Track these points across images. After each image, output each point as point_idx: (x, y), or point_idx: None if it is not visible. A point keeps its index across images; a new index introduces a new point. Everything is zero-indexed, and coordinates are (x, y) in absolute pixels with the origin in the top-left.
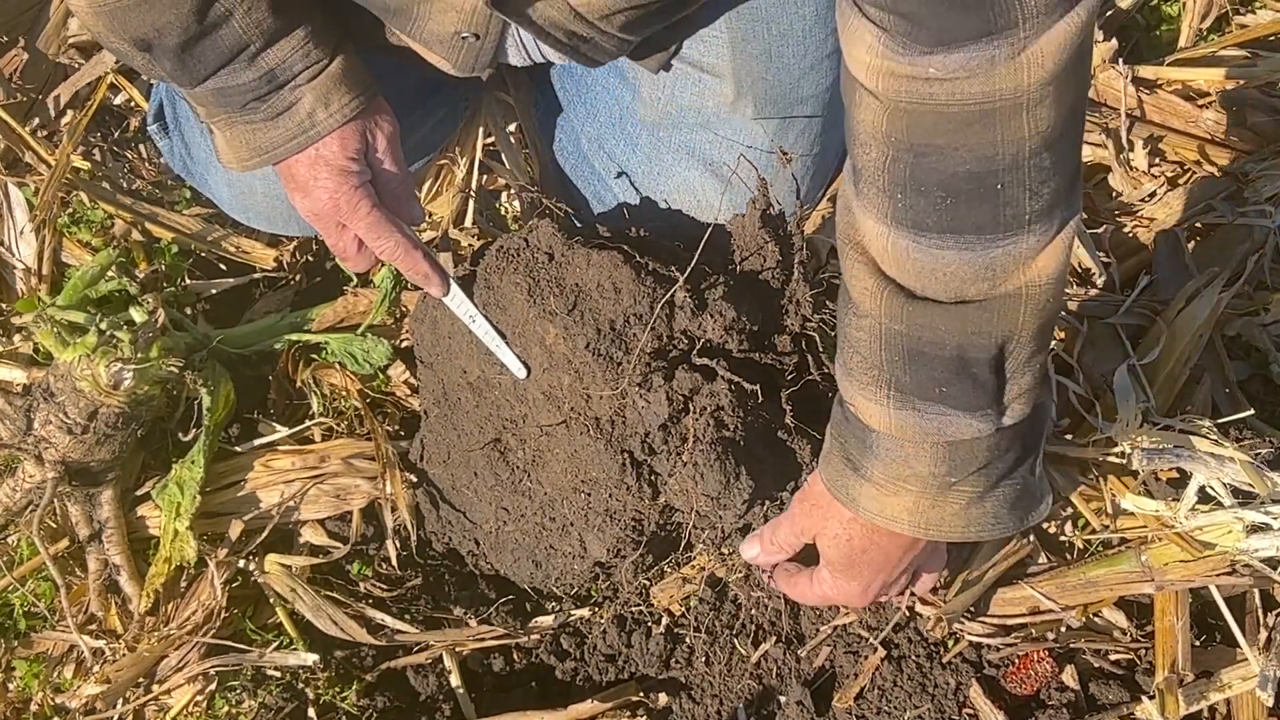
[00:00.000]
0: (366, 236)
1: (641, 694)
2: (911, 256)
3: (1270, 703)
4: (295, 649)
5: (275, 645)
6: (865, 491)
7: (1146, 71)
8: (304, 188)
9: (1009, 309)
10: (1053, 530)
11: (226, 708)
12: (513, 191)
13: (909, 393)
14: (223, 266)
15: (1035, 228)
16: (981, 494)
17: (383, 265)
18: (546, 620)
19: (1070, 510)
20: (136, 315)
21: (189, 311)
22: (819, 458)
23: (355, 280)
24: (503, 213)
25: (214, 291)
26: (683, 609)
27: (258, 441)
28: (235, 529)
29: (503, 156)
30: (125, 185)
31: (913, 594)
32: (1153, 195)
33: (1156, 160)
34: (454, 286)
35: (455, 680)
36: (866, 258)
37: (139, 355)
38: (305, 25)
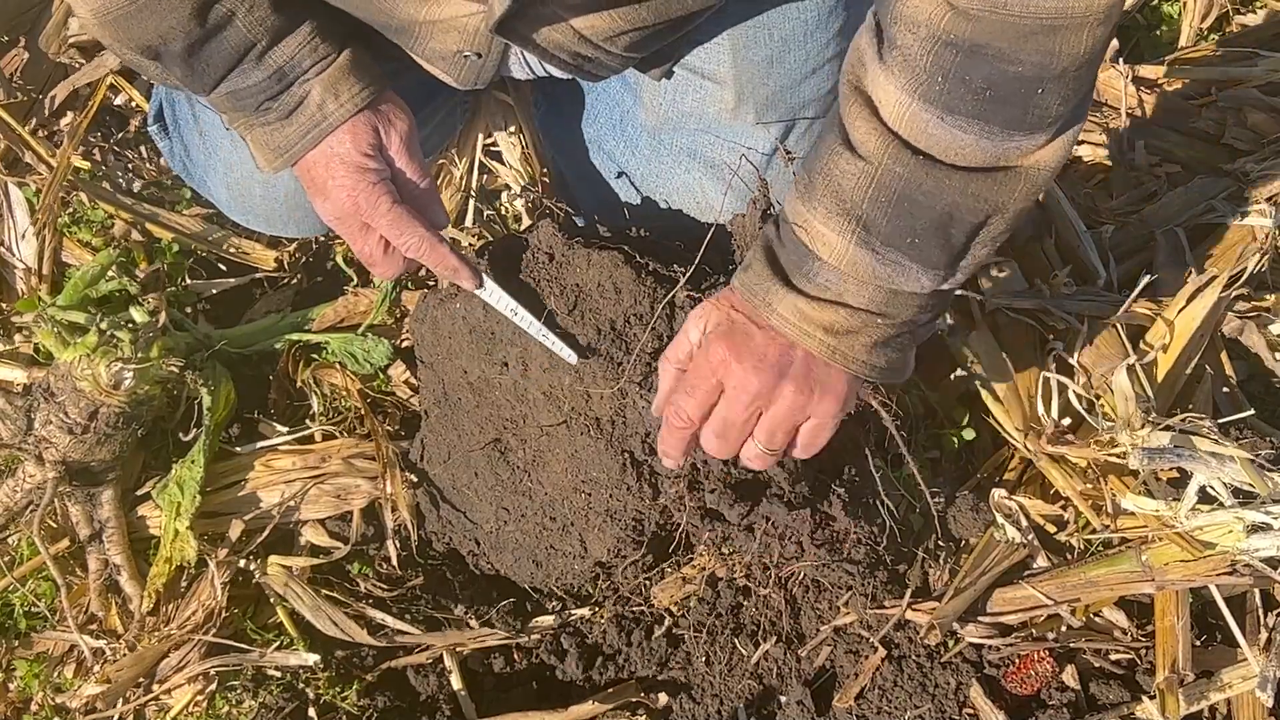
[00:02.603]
0: (390, 233)
1: (642, 694)
2: (929, 131)
3: (1270, 704)
4: (296, 649)
5: (276, 645)
6: (787, 302)
7: (1147, 71)
8: (322, 189)
9: (1008, 184)
10: (1053, 530)
11: (227, 708)
12: (513, 192)
13: (876, 235)
14: (223, 267)
15: (1052, 129)
16: (888, 340)
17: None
18: (547, 620)
19: (1071, 510)
20: (137, 315)
21: (189, 311)
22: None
23: (355, 280)
24: (503, 213)
25: (214, 291)
26: (683, 609)
27: (260, 444)
28: (235, 529)
29: (503, 157)
30: (125, 185)
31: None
32: (1153, 195)
33: (1157, 160)
34: (487, 280)
35: (455, 680)
36: (872, 109)
37: (139, 355)
38: (310, 21)
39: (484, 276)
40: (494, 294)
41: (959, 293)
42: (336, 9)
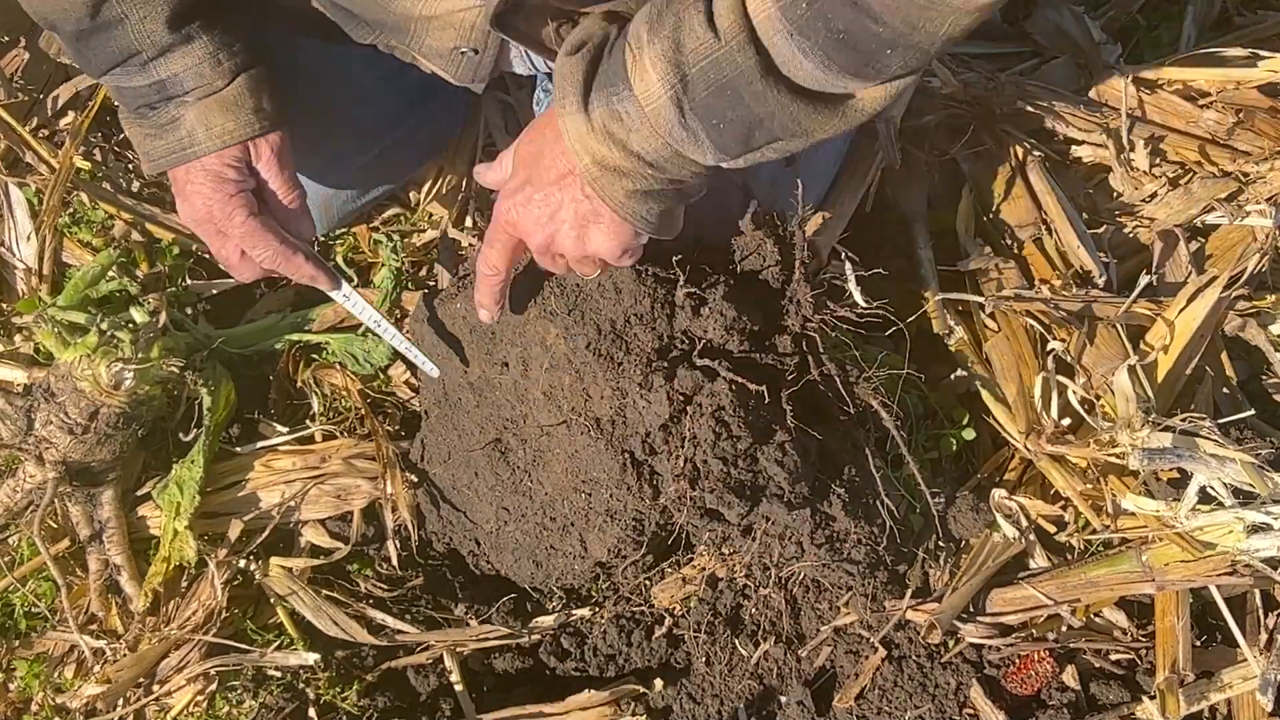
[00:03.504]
0: (245, 244)
1: (640, 686)
2: (775, 40)
3: (1270, 706)
4: (296, 649)
5: (276, 645)
6: (575, 119)
7: (1147, 72)
8: (181, 192)
9: (824, 114)
10: (1053, 530)
11: (227, 708)
12: None
13: (690, 101)
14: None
15: (883, 80)
16: (650, 191)
17: (383, 265)
18: (547, 620)
19: (1071, 510)
20: (137, 315)
21: (189, 312)
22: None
23: (355, 281)
24: None
25: (215, 292)
26: (683, 609)
27: (260, 444)
28: (235, 529)
29: None
30: (126, 186)
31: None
32: (1153, 195)
33: (1157, 160)
34: (347, 287)
35: (456, 680)
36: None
37: (140, 355)
38: (207, 44)
39: (344, 283)
40: (355, 302)
41: (959, 294)
42: (273, 30)
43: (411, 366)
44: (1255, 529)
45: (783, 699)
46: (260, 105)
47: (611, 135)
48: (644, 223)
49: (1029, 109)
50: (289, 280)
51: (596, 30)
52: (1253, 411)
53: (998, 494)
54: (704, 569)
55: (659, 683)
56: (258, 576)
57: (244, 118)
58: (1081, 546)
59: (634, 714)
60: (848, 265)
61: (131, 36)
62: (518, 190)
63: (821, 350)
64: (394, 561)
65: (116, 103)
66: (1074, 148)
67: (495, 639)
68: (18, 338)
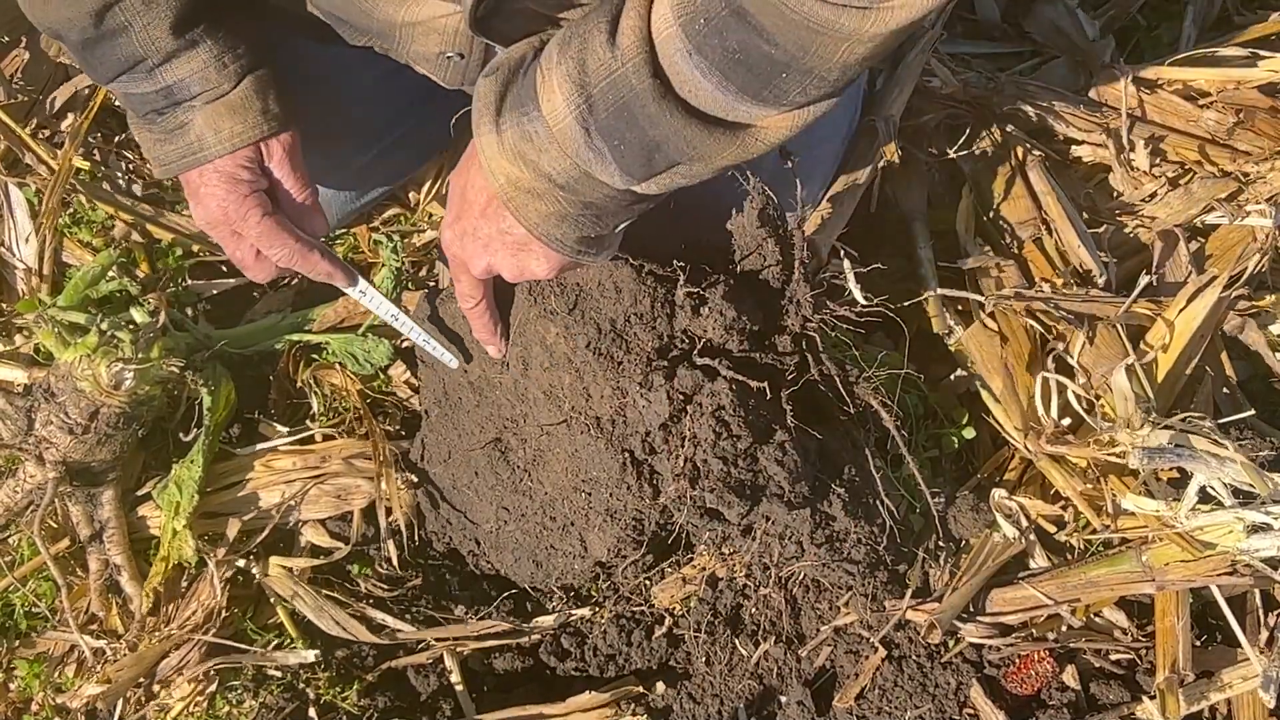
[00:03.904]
0: (260, 244)
1: (640, 687)
2: (675, 60)
3: (1272, 704)
4: (296, 647)
5: (276, 645)
6: (488, 140)
7: (1147, 72)
8: (195, 194)
9: (723, 140)
10: (1053, 530)
11: (227, 708)
12: None
13: (595, 120)
14: (223, 267)
15: (784, 109)
16: (566, 215)
17: (383, 265)
18: (547, 620)
19: (1071, 510)
20: (137, 316)
21: (190, 312)
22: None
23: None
24: None
25: (215, 292)
26: (683, 609)
27: (260, 445)
28: (235, 529)
29: None
30: (126, 186)
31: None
32: (1153, 195)
33: (1157, 160)
34: (363, 282)
35: (456, 680)
36: (648, 6)
37: (140, 355)
38: (212, 48)
39: (360, 279)
40: (371, 297)
41: (959, 293)
42: (272, 31)
43: (414, 360)
44: (1255, 529)
45: (783, 699)
46: (268, 106)
47: (523, 156)
48: (562, 246)
49: (1029, 109)
50: (291, 279)
51: (516, 52)
52: (1253, 411)
53: (998, 494)
54: (704, 569)
55: (660, 685)
56: (258, 576)
57: (252, 120)
58: (1081, 546)
59: (634, 714)
60: (847, 263)
61: (136, 44)
62: (454, 223)
63: (821, 350)
64: (394, 561)
65: (124, 108)
66: (1074, 148)
67: (495, 638)
68: (18, 338)
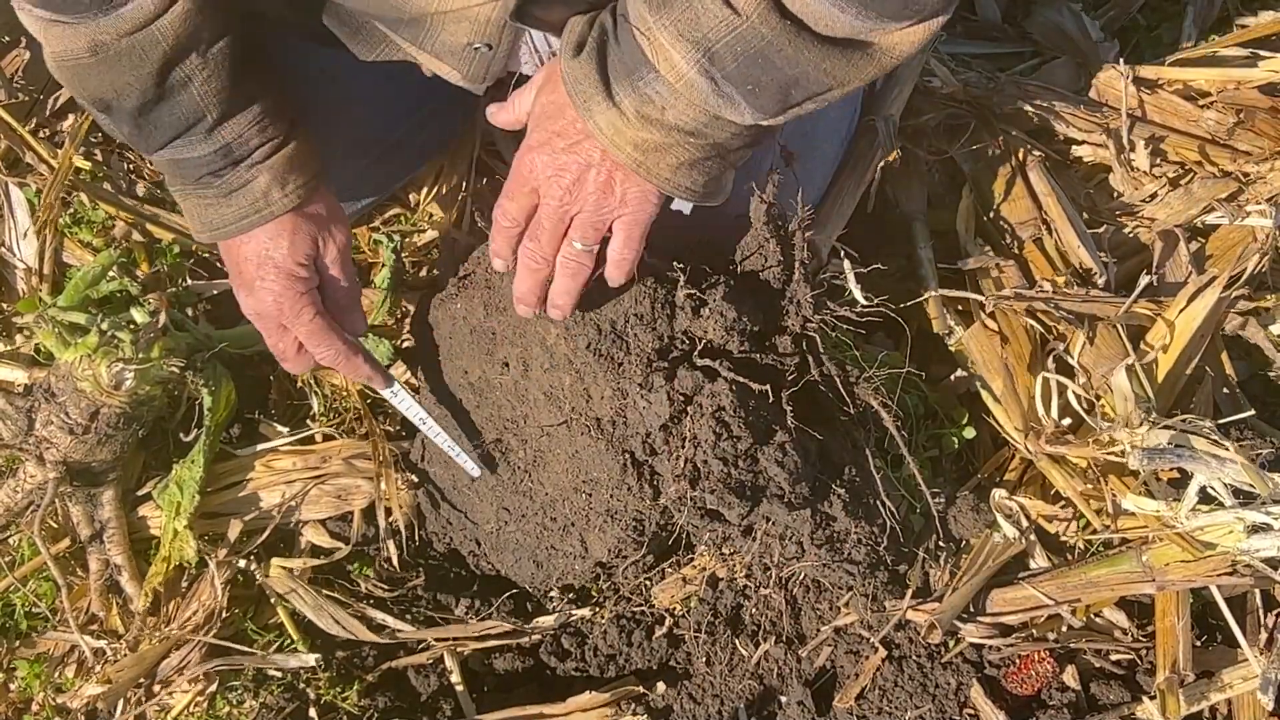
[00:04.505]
0: (308, 343)
1: (640, 687)
2: (807, 1)
3: (1271, 706)
4: (296, 649)
5: (276, 645)
6: (606, 116)
7: (1147, 71)
8: (249, 286)
9: (860, 63)
10: (1053, 530)
11: (227, 708)
12: None
13: (720, 70)
14: (223, 267)
15: (919, 18)
16: (695, 161)
17: (383, 265)
18: (547, 620)
19: (1071, 510)
20: (138, 316)
21: (190, 312)
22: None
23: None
24: None
25: (215, 292)
26: (683, 609)
27: (260, 445)
28: (235, 529)
29: (503, 156)
30: (126, 186)
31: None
32: (1154, 195)
33: (1157, 160)
34: (398, 388)
35: (456, 680)
36: None
37: (140, 356)
38: (261, 101)
39: (395, 383)
40: (403, 399)
41: (959, 294)
42: (291, 86)
43: (414, 360)
44: (1255, 529)
45: (783, 699)
46: (315, 155)
47: (646, 117)
48: (691, 193)
49: (1029, 109)
50: None
51: (589, 28)
52: (1253, 411)
53: (998, 494)
54: (704, 569)
55: (660, 685)
56: (258, 577)
57: (309, 170)
58: (1081, 546)
59: (634, 714)
60: (847, 263)
61: (198, 98)
62: (541, 145)
63: (822, 350)
64: (394, 561)
65: (166, 176)
66: (1074, 148)
67: (495, 639)
68: (18, 338)
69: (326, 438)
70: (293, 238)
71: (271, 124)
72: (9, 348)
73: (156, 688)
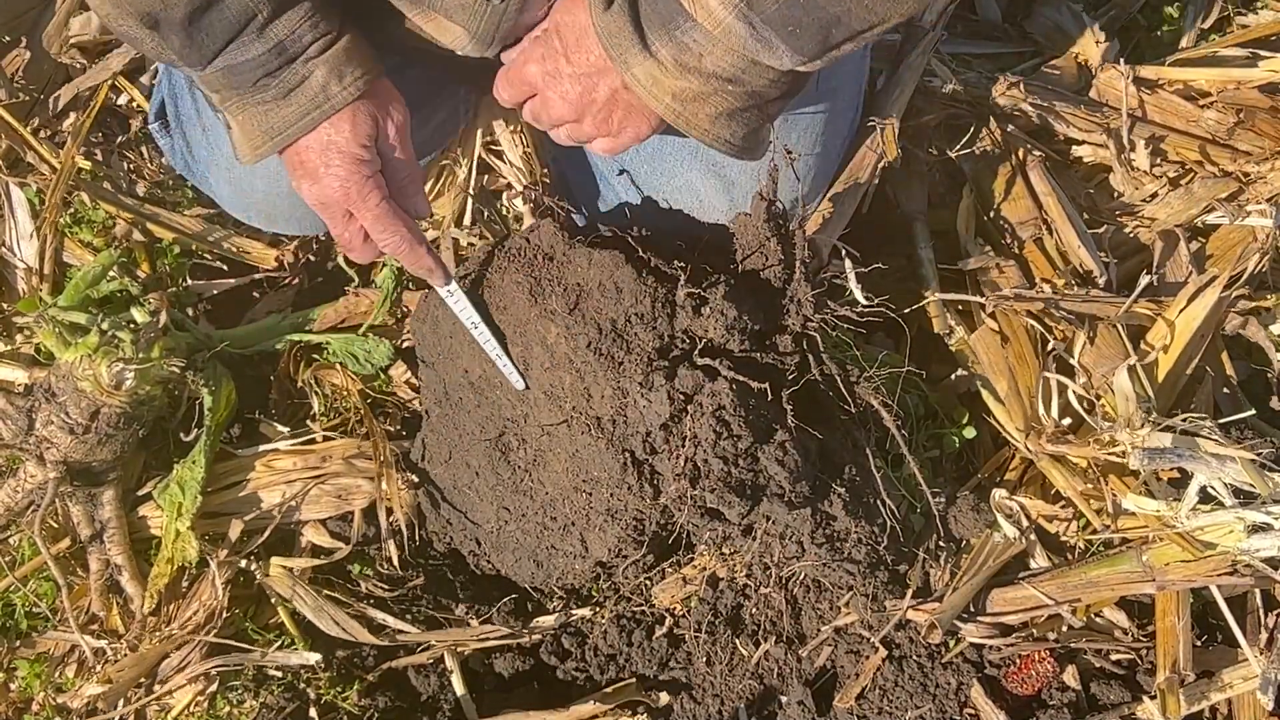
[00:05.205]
0: (373, 229)
1: (643, 693)
2: None
3: (1271, 705)
4: (297, 648)
5: (277, 645)
6: (644, 67)
7: (1148, 71)
8: (314, 174)
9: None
10: (1054, 530)
11: (228, 708)
12: (514, 191)
13: (759, 14)
14: (224, 267)
15: None
16: (733, 111)
17: (384, 265)
18: (548, 620)
19: (1071, 510)
20: (138, 315)
21: (190, 312)
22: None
23: (356, 281)
24: (504, 213)
25: (215, 292)
26: (684, 609)
27: (261, 445)
28: (236, 529)
29: (505, 155)
30: (127, 186)
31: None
32: (1154, 195)
33: (1158, 160)
34: (455, 287)
35: (456, 680)
36: None
37: (140, 355)
38: None
39: (454, 282)
40: (458, 299)
41: (960, 295)
42: None
43: (414, 360)
44: (1255, 529)
45: (783, 699)
46: (369, 48)
47: (684, 65)
48: (730, 146)
49: (1029, 109)
50: (290, 280)
51: None
52: (1253, 411)
53: (998, 494)
54: (704, 569)
55: (664, 696)
56: (258, 576)
57: (367, 62)
58: (1082, 546)
59: (635, 714)
60: (848, 263)
61: None
62: (551, 58)
63: (822, 350)
64: (394, 561)
65: (219, 92)
66: (1074, 148)
67: (496, 639)
68: (19, 338)
69: (327, 438)
70: (354, 121)
71: (323, 19)
72: (9, 348)
73: (157, 688)
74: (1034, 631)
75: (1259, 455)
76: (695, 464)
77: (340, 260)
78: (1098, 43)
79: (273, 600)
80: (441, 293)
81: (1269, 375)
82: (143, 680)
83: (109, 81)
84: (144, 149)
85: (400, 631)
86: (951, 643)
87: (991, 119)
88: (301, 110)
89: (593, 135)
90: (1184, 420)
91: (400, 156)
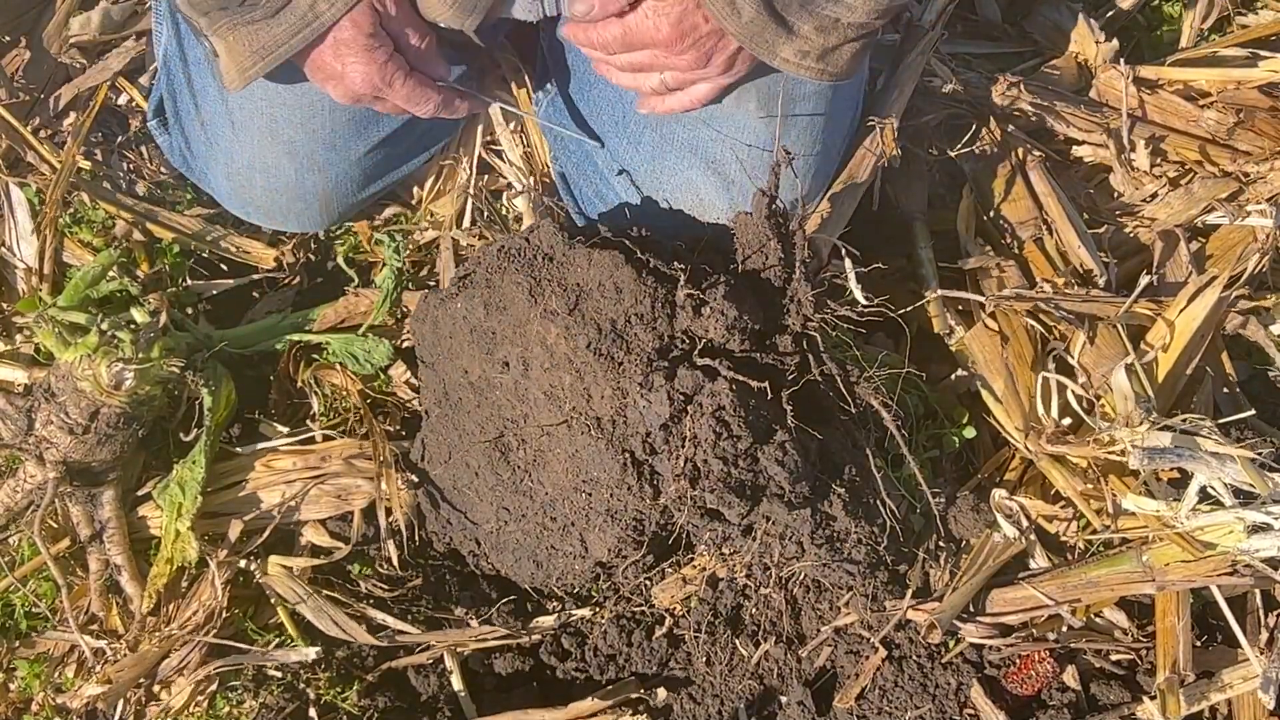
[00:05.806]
0: (408, 105)
1: (642, 690)
2: None
3: (1272, 705)
4: (296, 645)
5: (276, 645)
6: (790, 47)
7: (1148, 71)
8: (335, 75)
9: None
10: (1053, 530)
11: (228, 708)
12: (513, 191)
13: None
14: (224, 267)
15: None
16: (860, 48)
17: (384, 265)
18: (547, 620)
19: (1071, 510)
20: (138, 315)
21: (190, 312)
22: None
23: (356, 281)
24: (504, 213)
25: (215, 292)
26: (683, 609)
27: (260, 445)
28: (235, 529)
29: (505, 155)
30: (127, 186)
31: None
32: (1154, 195)
33: (1158, 160)
34: (497, 106)
35: (456, 680)
36: None
37: (140, 355)
38: None
39: (495, 103)
40: (508, 110)
41: (960, 294)
42: None
43: (414, 360)
44: (1255, 529)
45: (783, 699)
46: None
47: (824, 29)
48: (849, 76)
49: (1029, 109)
50: (290, 279)
51: None
52: (1253, 411)
53: (998, 494)
54: (704, 569)
55: (663, 692)
56: (258, 576)
57: None
58: (1081, 546)
59: (634, 712)
60: (848, 263)
61: None
62: (683, 19)
63: (822, 349)
64: (394, 561)
65: (206, 15)
66: (1074, 148)
67: (495, 639)
68: (18, 338)
69: (326, 438)
70: (354, 20)
71: None
72: (9, 348)
73: (156, 688)
74: (1034, 632)
75: (1259, 455)
76: (695, 464)
77: (340, 260)
78: (1098, 43)
79: (272, 600)
80: (492, 113)
81: (1269, 375)
82: (142, 680)
83: (109, 81)
84: (144, 149)
85: (400, 631)
86: (951, 643)
87: (991, 119)
88: (291, 29)
89: (678, 68)
90: (1184, 420)
91: (408, 32)
